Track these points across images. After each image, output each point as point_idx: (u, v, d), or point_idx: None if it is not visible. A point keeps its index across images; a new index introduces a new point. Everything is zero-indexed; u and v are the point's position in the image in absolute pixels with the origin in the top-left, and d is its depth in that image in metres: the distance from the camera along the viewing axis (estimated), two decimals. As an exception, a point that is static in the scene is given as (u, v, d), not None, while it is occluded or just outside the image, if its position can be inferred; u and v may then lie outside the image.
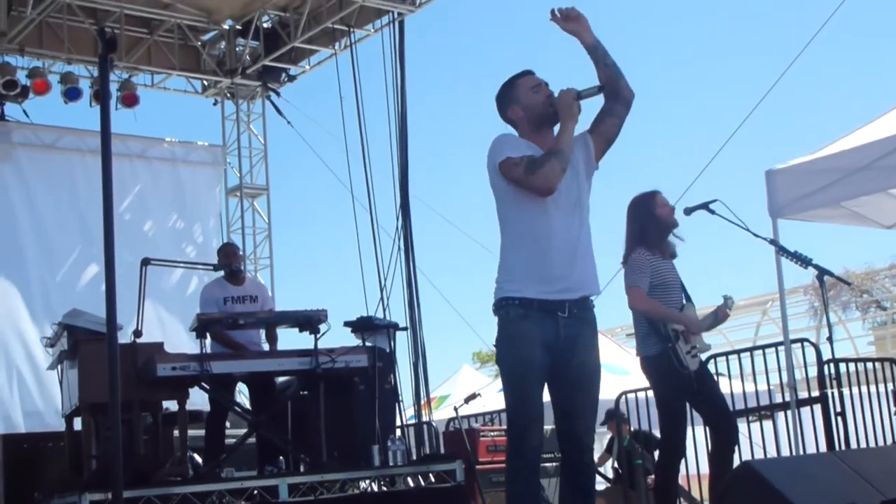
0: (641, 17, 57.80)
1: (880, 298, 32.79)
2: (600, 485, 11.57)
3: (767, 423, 9.28)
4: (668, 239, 6.86)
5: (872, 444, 8.94)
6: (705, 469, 7.24)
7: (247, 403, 9.51)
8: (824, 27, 11.06)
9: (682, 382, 6.63)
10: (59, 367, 8.29)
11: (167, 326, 12.99)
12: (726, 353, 9.33)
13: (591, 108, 4.72)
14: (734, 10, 55.08)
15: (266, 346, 8.92)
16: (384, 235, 12.05)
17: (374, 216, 12.14)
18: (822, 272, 7.05)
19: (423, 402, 11.50)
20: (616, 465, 11.92)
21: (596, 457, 9.57)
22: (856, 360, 10.15)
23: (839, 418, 8.34)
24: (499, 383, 16.15)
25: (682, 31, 55.61)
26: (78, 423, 7.68)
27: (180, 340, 11.67)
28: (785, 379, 9.00)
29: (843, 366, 9.07)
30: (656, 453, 8.66)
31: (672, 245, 6.90)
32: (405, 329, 10.68)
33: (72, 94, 13.38)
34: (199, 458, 8.65)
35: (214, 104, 15.49)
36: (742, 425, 8.51)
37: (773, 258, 8.11)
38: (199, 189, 14.56)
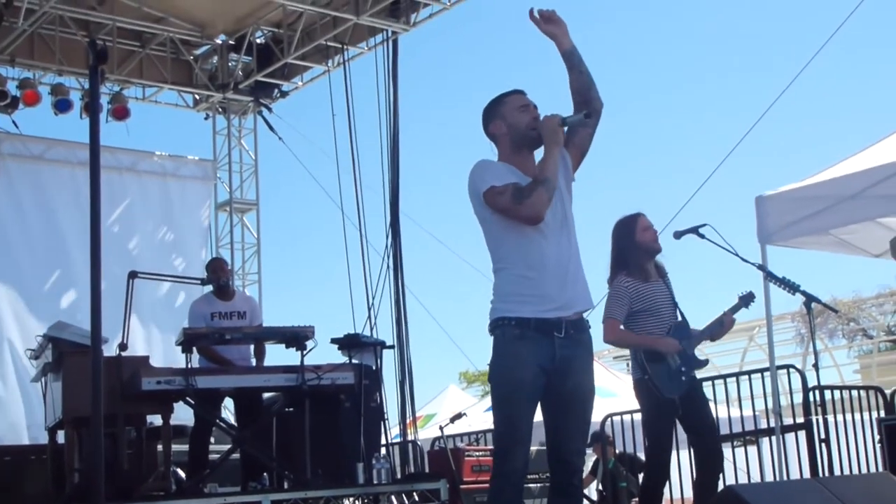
0: (633, 40, 58.03)
1: (867, 327, 32.88)
2: (585, 507, 11.55)
3: (752, 449, 9.30)
4: (652, 261, 6.83)
5: (856, 472, 8.95)
6: (689, 493, 7.24)
7: (232, 419, 9.48)
8: (817, 55, 11.12)
9: (663, 409, 6.62)
10: (42, 379, 8.26)
11: (153, 341, 12.97)
12: (712, 378, 9.35)
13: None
14: (726, 35, 55.35)
15: (254, 362, 8.91)
16: (373, 253, 12.08)
17: (364, 234, 12.16)
18: (809, 299, 7.05)
19: (408, 421, 11.48)
20: (601, 487, 11.91)
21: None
22: (841, 388, 10.16)
23: (823, 445, 8.34)
24: (485, 403, 16.19)
25: (673, 55, 55.85)
26: (61, 437, 7.65)
27: (166, 355, 11.65)
28: (770, 405, 9.00)
29: (828, 393, 9.08)
30: (641, 476, 8.66)
31: (659, 265, 6.87)
32: (392, 347, 10.68)
33: (62, 105, 13.35)
34: (182, 474, 8.62)
35: (206, 118, 15.45)
36: (727, 450, 8.51)
37: (761, 284, 8.12)
38: (188, 203, 14.54)
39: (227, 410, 10.49)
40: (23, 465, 8.65)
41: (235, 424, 8.81)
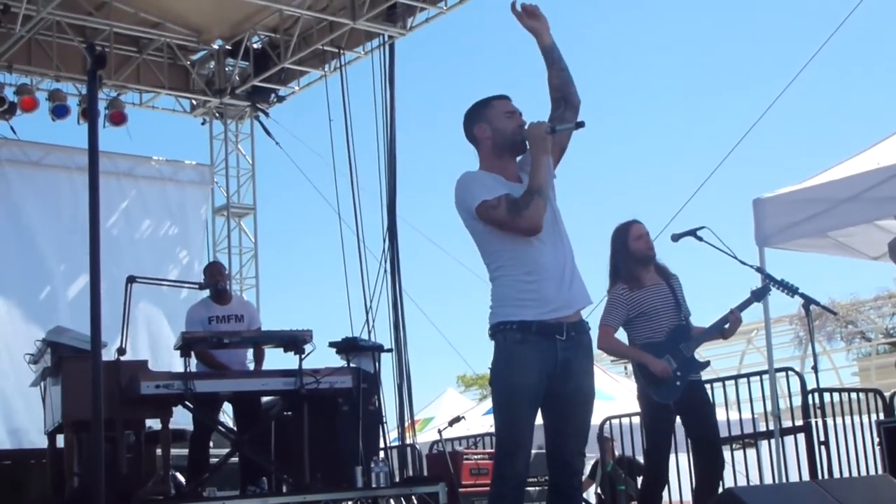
0: (629, 42, 58.10)
1: (865, 329, 32.86)
2: (583, 510, 11.55)
3: (751, 451, 9.29)
4: (647, 268, 6.81)
5: (855, 474, 8.95)
6: (688, 496, 7.23)
7: (231, 423, 9.47)
8: (814, 58, 11.13)
9: (658, 413, 6.64)
10: (42, 383, 8.25)
11: (152, 345, 12.97)
12: (711, 381, 9.33)
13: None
14: (722, 38, 55.39)
15: (253, 366, 8.91)
16: (370, 257, 12.07)
17: (361, 238, 12.15)
18: (808, 301, 7.06)
19: (407, 425, 11.47)
20: (599, 490, 11.91)
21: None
22: (840, 390, 10.16)
23: (822, 447, 8.34)
24: (483, 407, 16.18)
25: (670, 57, 55.87)
26: (61, 441, 7.64)
27: (164, 359, 11.65)
28: (769, 408, 9.00)
29: (827, 396, 9.08)
30: (640, 479, 8.65)
31: (662, 267, 6.85)
32: (390, 351, 10.69)
33: (59, 111, 13.36)
34: (181, 478, 8.62)
35: (203, 123, 15.49)
36: (726, 453, 8.51)
37: (759, 286, 8.12)
38: (185, 208, 14.56)
39: (226, 414, 10.48)
40: (22, 470, 8.65)
41: (234, 428, 8.81)
